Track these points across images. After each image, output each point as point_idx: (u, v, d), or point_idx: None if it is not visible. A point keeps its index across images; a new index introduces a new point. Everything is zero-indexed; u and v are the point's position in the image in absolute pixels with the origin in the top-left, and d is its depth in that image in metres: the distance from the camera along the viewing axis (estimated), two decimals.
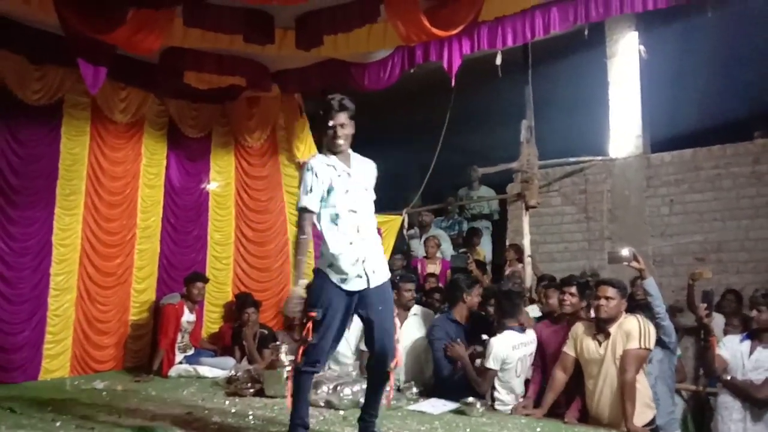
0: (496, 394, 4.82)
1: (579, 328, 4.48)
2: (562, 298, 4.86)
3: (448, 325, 5.25)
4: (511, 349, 4.73)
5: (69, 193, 6.48)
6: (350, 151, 3.73)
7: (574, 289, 4.81)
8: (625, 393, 4.09)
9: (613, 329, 4.26)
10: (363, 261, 3.54)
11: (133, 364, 6.81)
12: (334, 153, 3.66)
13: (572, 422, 4.33)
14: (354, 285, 3.53)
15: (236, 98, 7.55)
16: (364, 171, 3.73)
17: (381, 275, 3.60)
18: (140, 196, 7.05)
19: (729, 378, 4.58)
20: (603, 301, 4.26)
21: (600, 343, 4.30)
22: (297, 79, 7.25)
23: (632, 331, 4.19)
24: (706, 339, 4.68)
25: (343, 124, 3.64)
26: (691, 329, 6.65)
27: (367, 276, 3.54)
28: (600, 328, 4.33)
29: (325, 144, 3.72)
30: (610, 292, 4.27)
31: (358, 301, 3.56)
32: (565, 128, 7.81)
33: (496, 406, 4.79)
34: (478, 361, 4.90)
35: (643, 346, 4.17)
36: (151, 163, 7.17)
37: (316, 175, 3.56)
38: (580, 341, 4.41)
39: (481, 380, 4.78)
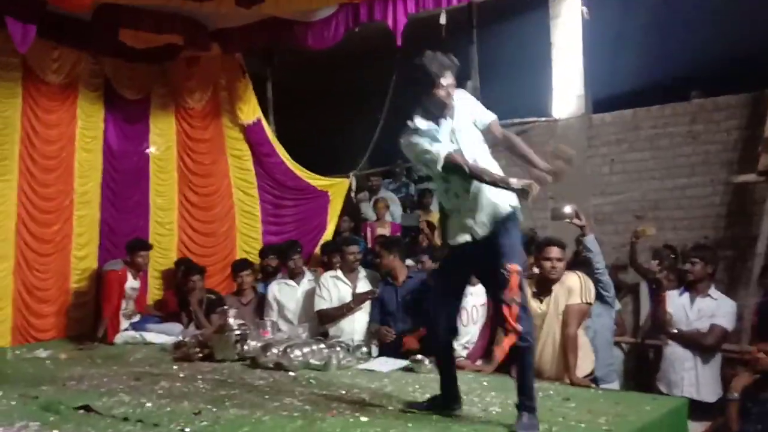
0: None
1: None
2: None
3: (385, 290, 5.41)
4: None
5: (2, 158, 6.23)
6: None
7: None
8: (568, 346, 4.21)
9: (555, 286, 4.36)
10: None
11: (76, 332, 6.65)
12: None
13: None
14: None
15: (175, 58, 7.32)
16: None
17: None
18: (77, 161, 6.82)
19: (676, 331, 4.76)
20: (556, 263, 4.32)
21: (541, 300, 4.39)
22: (238, 38, 7.09)
23: (574, 287, 4.29)
24: (658, 294, 4.83)
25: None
26: (631, 285, 6.91)
27: None
28: (541, 285, 4.41)
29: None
30: (559, 252, 4.35)
31: None
32: (509, 89, 7.83)
33: None
34: None
35: (584, 301, 4.29)
36: (88, 126, 6.92)
37: None
38: None
39: None
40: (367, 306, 5.57)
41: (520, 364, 3.31)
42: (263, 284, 6.56)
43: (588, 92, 7.81)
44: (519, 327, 3.12)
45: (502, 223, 3.28)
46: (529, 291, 4.45)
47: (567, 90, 7.81)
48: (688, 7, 7.81)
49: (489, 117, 3.40)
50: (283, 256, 6.25)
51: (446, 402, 3.54)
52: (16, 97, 6.33)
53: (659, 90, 7.72)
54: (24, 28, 5.19)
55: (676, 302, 4.85)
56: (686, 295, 4.83)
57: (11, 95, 6.30)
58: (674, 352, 4.81)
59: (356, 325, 5.56)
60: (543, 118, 7.91)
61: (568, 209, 4.70)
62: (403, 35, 6.25)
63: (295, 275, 6.09)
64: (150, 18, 6.37)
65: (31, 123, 6.44)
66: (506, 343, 3.17)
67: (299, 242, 6.55)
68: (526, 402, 3.21)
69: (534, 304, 4.40)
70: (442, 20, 6.19)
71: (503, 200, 3.29)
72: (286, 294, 6.04)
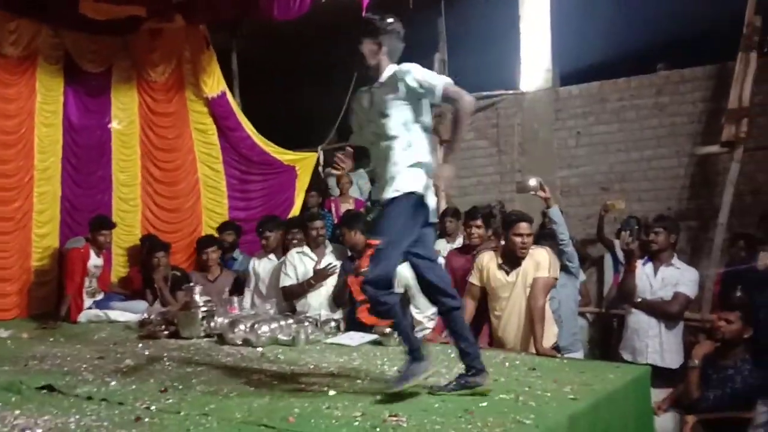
0: (414, 321, 4.94)
1: (484, 258, 4.58)
2: (469, 231, 4.98)
3: (347, 264, 5.39)
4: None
5: None
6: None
7: (479, 221, 4.95)
8: (535, 317, 4.26)
9: (525, 260, 4.39)
10: None
11: (38, 311, 6.53)
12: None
13: (484, 347, 4.47)
14: None
15: (137, 30, 7.12)
16: None
17: None
18: (37, 136, 6.63)
19: (640, 300, 4.84)
20: (526, 239, 4.35)
21: (508, 272, 4.43)
22: (202, 9, 6.95)
23: (542, 261, 4.36)
24: (629, 264, 4.90)
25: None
26: (593, 258, 7.01)
27: None
28: (508, 258, 4.44)
29: None
30: (529, 228, 4.38)
31: None
32: (477, 62, 7.82)
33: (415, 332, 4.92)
34: None
35: (551, 275, 4.37)
36: (47, 100, 6.73)
37: None
38: (486, 270, 4.52)
39: None
40: (333, 281, 5.54)
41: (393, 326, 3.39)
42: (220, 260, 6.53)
43: (555, 65, 7.82)
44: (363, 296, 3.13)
45: (388, 204, 3.21)
46: (494, 262, 4.49)
47: (534, 63, 7.83)
48: None
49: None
50: (259, 231, 6.16)
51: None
52: None
53: (626, 62, 7.77)
54: None
55: (640, 272, 4.92)
56: (650, 264, 4.90)
57: None
58: (638, 320, 4.90)
59: (323, 300, 5.54)
60: (511, 91, 7.92)
61: (532, 182, 4.74)
62: (369, 7, 6.16)
63: (272, 250, 6.04)
64: None
65: None
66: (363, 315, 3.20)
67: (278, 217, 6.46)
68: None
69: (500, 275, 4.45)
70: None
71: (401, 183, 3.21)
72: (264, 268, 6.00)
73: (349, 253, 5.60)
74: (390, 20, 3.33)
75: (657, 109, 7.31)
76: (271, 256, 6.03)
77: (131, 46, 7.35)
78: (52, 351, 4.74)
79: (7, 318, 6.29)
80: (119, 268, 7.19)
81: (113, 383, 3.73)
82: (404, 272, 4.88)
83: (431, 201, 3.33)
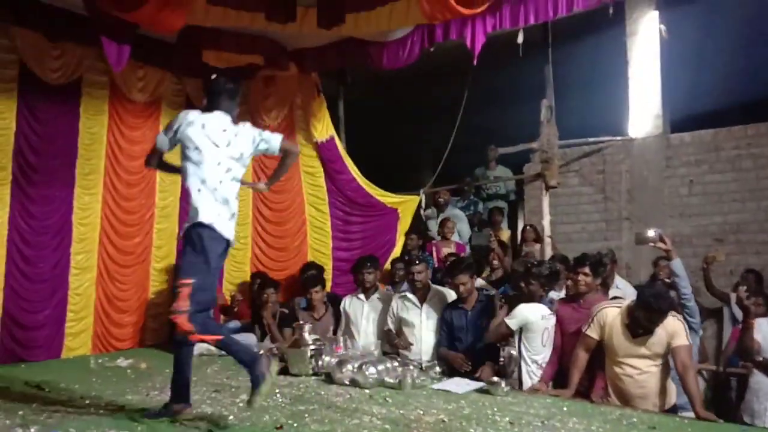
0: (523, 363, 4.86)
1: (608, 315, 4.39)
2: (576, 279, 4.85)
3: (452, 313, 5.37)
4: (540, 318, 4.81)
5: (88, 172, 6.50)
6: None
7: (587, 269, 4.82)
8: (692, 386, 4.07)
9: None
10: None
11: (152, 342, 6.87)
12: None
13: (599, 402, 4.34)
14: None
15: (253, 77, 7.50)
16: None
17: None
18: (158, 175, 7.04)
19: (761, 359, 4.59)
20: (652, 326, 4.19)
21: (634, 336, 4.26)
22: (314, 58, 7.23)
23: (679, 330, 4.18)
24: (746, 321, 4.67)
25: None
26: (710, 311, 6.68)
27: None
28: (637, 325, 4.24)
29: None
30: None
31: None
32: (584, 108, 7.75)
33: (524, 378, 4.84)
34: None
35: (688, 342, 4.20)
36: None
37: None
38: (610, 328, 4.35)
39: (492, 332, 4.94)
40: (434, 326, 5.54)
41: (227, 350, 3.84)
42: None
43: (666, 111, 7.64)
44: (190, 328, 3.61)
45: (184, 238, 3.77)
46: (619, 321, 4.31)
47: (644, 109, 7.66)
48: None
49: None
50: (357, 269, 6.30)
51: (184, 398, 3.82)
52: (103, 114, 6.62)
53: (740, 110, 7.51)
54: (119, 49, 5.42)
55: (764, 329, 4.67)
56: None
57: (99, 112, 6.58)
58: (759, 381, 4.65)
59: (423, 345, 5.53)
60: (618, 138, 7.77)
61: (651, 233, 4.61)
62: (477, 53, 6.24)
63: (366, 290, 6.14)
64: (231, 39, 6.59)
65: (116, 139, 6.71)
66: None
67: (375, 258, 6.55)
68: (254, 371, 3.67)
69: (625, 337, 4.28)
70: (519, 39, 6.16)
71: (192, 214, 3.76)
72: (354, 307, 6.11)
73: (449, 300, 5.59)
74: (217, 80, 4.13)
75: None
76: (361, 295, 6.14)
77: (247, 93, 7.69)
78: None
79: (124, 348, 6.65)
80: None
81: (231, 417, 3.87)
82: (525, 310, 4.83)
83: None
